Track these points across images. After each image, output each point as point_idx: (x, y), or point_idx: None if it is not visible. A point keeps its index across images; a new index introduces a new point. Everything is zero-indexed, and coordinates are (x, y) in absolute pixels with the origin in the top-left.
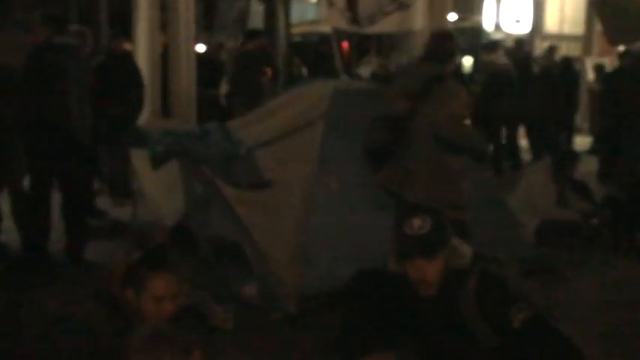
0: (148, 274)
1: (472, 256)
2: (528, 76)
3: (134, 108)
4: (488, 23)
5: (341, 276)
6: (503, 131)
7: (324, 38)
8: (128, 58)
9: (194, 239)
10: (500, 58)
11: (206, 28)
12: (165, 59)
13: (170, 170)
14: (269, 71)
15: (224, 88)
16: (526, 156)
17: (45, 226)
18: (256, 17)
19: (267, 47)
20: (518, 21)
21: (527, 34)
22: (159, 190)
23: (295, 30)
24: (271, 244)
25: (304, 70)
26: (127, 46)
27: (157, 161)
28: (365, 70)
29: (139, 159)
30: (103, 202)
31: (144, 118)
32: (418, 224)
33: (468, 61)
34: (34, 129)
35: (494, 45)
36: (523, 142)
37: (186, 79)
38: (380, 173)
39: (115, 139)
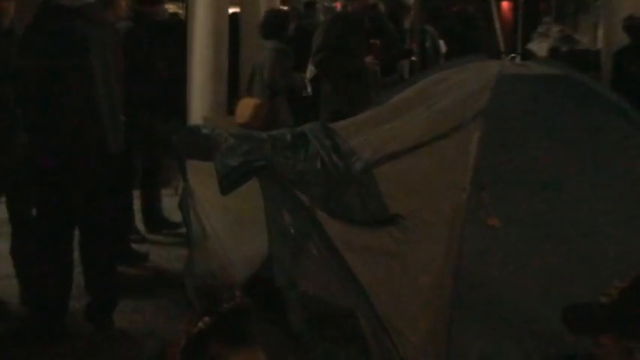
0: (222, 350)
1: None
2: None
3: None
4: None
5: None
6: None
7: None
8: (174, 27)
9: (281, 301)
10: None
11: None
12: (234, 29)
13: (246, 196)
14: (375, 43)
15: (310, 70)
16: None
17: (63, 277)
18: None
19: (377, 9)
20: None
21: None
22: (228, 226)
23: None
24: (399, 312)
25: (442, 45)
26: (171, 9)
27: (229, 182)
28: (540, 45)
29: (199, 177)
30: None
31: (198, 114)
32: (618, 289)
33: None
34: (42, 131)
35: None
36: None
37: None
38: None
39: (148, 145)
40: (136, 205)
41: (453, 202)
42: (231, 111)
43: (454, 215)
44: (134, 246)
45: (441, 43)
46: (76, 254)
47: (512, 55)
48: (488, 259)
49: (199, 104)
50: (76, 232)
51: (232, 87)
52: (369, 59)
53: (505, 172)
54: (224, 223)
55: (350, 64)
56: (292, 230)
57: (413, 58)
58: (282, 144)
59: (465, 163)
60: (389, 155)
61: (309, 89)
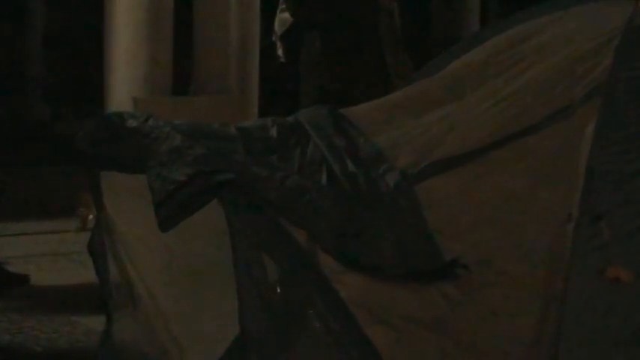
0: None
1: None
2: None
3: None
4: None
5: None
6: None
7: None
8: None
9: None
10: None
11: None
12: None
13: (201, 232)
14: None
15: (281, 19)
16: None
17: None
18: None
19: None
20: None
21: None
22: (172, 281)
23: None
24: None
25: None
26: None
27: (173, 209)
28: None
29: (122, 201)
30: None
31: (123, 94)
32: None
33: None
34: None
35: None
36: None
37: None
38: None
39: None
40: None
41: (550, 241)
42: (180, 87)
43: (552, 263)
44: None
45: None
46: None
47: None
48: (610, 339)
49: (125, 77)
50: None
51: (181, 48)
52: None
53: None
54: (165, 276)
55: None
56: (279, 290)
57: None
58: (263, 144)
59: (571, 174)
60: (440, 162)
61: (281, 52)
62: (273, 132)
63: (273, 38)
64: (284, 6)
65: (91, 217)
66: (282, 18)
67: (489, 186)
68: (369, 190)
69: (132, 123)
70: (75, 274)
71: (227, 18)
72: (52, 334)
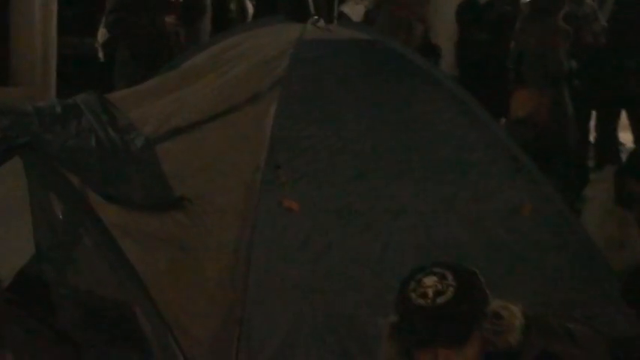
0: None
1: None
2: None
3: None
4: None
5: None
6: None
7: None
8: None
9: (49, 299)
10: None
11: None
12: None
13: (8, 178)
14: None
15: (102, 33)
16: None
17: None
18: None
19: None
20: None
21: None
22: None
23: None
24: (184, 308)
25: (249, 6)
26: None
27: None
28: (355, 8)
29: None
30: None
31: None
32: (433, 287)
33: None
34: None
35: None
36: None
37: (40, 18)
38: None
39: None
40: None
41: (246, 183)
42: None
43: (246, 198)
44: None
45: (249, 3)
46: None
47: (316, 17)
48: (284, 248)
49: None
50: None
51: (2, 52)
52: (170, 19)
53: (306, 149)
54: None
55: (148, 24)
56: (61, 216)
57: None
58: (51, 118)
59: (260, 138)
60: (173, 130)
61: (101, 55)
62: (59, 109)
63: (96, 46)
64: (104, 22)
65: None
66: (103, 32)
67: (206, 147)
68: (124, 150)
69: None
70: None
71: (32, 33)
72: None
